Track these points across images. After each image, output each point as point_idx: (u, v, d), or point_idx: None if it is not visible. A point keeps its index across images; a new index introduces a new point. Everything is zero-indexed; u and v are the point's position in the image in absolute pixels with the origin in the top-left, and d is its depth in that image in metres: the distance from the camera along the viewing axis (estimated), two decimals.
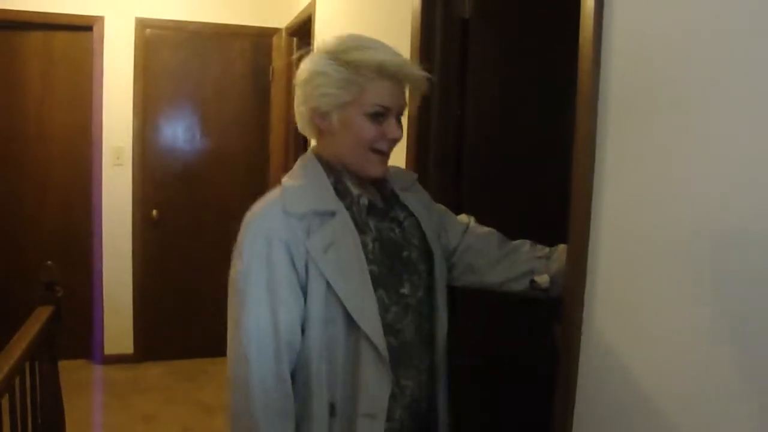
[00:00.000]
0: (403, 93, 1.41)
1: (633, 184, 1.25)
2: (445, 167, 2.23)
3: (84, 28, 4.45)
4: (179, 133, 4.69)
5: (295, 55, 1.49)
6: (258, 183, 4.84)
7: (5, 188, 4.52)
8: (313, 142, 1.52)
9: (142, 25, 4.53)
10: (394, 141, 1.40)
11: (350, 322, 1.34)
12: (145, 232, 4.64)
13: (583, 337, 1.38)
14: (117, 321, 4.67)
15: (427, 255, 1.52)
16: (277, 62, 4.78)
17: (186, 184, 4.72)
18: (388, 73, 1.34)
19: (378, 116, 1.36)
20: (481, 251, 1.64)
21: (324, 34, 3.62)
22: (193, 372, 4.59)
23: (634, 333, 1.24)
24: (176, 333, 4.77)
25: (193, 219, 4.76)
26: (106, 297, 4.64)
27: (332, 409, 1.37)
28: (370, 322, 1.34)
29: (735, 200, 1.03)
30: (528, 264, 1.60)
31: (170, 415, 3.92)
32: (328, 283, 1.33)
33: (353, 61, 1.33)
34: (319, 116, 1.40)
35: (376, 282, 1.38)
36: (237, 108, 4.77)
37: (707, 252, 1.08)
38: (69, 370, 3.93)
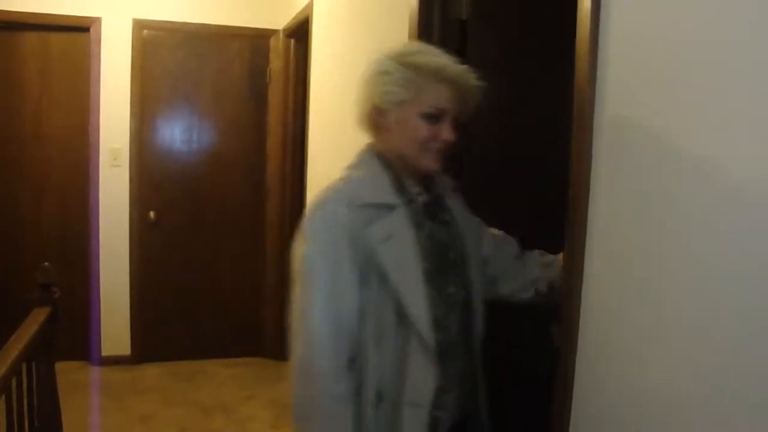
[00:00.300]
0: (460, 99, 1.45)
1: (630, 185, 1.25)
2: (445, 167, 2.22)
3: (81, 29, 4.45)
4: (177, 134, 4.69)
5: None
6: (255, 184, 4.85)
7: (2, 189, 4.51)
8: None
9: (139, 26, 4.52)
10: (447, 143, 1.44)
11: (401, 313, 1.40)
12: (142, 233, 4.64)
13: (580, 338, 1.39)
14: (114, 322, 4.67)
15: (465, 258, 1.56)
16: (275, 63, 4.78)
17: (183, 185, 4.72)
18: (447, 77, 1.40)
19: (433, 117, 1.42)
20: (502, 264, 1.70)
21: (321, 35, 3.63)
22: (191, 373, 4.59)
23: (631, 334, 1.25)
24: (174, 334, 4.77)
25: (191, 220, 4.76)
26: (103, 298, 4.64)
27: (380, 397, 1.42)
28: (420, 316, 1.40)
29: (733, 202, 1.03)
30: (534, 272, 1.68)
31: (168, 416, 3.92)
32: (383, 273, 1.39)
33: (415, 62, 1.41)
34: (378, 113, 1.46)
35: (427, 278, 1.43)
36: (234, 109, 4.77)
37: (702, 253, 1.08)
38: (66, 371, 3.92)
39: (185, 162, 4.72)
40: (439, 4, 2.18)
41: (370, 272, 1.39)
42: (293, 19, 4.37)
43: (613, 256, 1.30)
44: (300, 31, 4.31)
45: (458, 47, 2.20)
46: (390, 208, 1.42)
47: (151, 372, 4.59)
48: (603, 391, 1.32)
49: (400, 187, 1.47)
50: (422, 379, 1.41)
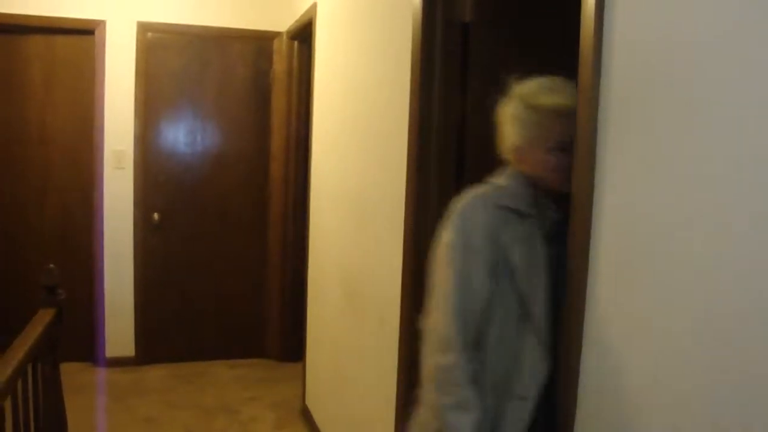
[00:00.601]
0: (572, 125, 1.54)
1: (633, 185, 1.25)
2: (447, 171, 2.24)
3: (86, 32, 4.47)
4: (180, 136, 4.71)
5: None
6: (259, 186, 4.86)
7: (7, 191, 4.54)
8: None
9: (143, 28, 4.54)
10: (568, 170, 1.54)
11: (524, 309, 1.54)
12: (146, 235, 4.65)
13: (585, 337, 1.39)
14: (118, 324, 4.69)
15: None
16: (278, 66, 4.79)
17: (187, 187, 4.73)
18: (566, 112, 1.53)
19: (559, 150, 1.56)
20: None
21: (325, 37, 3.64)
22: (195, 374, 4.60)
23: (636, 334, 1.25)
24: (177, 336, 4.78)
25: (194, 222, 4.77)
26: (107, 300, 4.65)
27: (493, 386, 1.55)
28: (541, 313, 1.53)
29: (737, 201, 1.03)
30: None
31: (171, 418, 3.93)
32: (513, 269, 1.54)
33: (538, 104, 1.58)
34: (516, 150, 1.63)
35: (546, 287, 1.56)
36: (238, 111, 4.78)
37: (708, 251, 1.08)
38: (71, 372, 3.94)
39: (189, 164, 4.73)
40: (441, 7, 2.19)
41: (503, 267, 1.54)
42: (296, 21, 4.39)
43: (618, 255, 1.31)
44: (303, 33, 4.32)
45: (461, 50, 2.21)
46: (525, 216, 1.58)
47: (155, 373, 4.61)
48: (608, 389, 1.32)
49: (536, 202, 1.61)
50: (532, 373, 1.52)
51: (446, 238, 1.60)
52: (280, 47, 4.79)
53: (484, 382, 1.54)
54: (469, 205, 1.61)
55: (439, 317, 1.56)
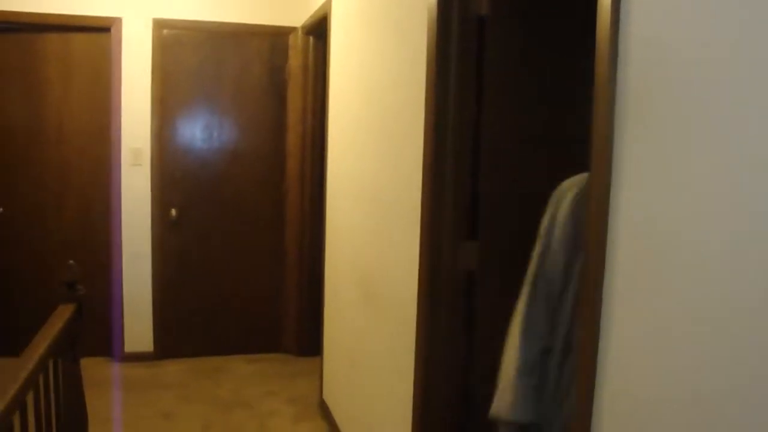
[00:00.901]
0: None
1: (650, 184, 1.25)
2: (462, 164, 2.23)
3: (102, 29, 4.50)
4: (197, 132, 4.73)
5: None
6: (276, 182, 4.87)
7: (26, 189, 4.58)
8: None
9: (159, 25, 4.56)
10: None
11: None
12: (164, 231, 4.69)
13: (602, 338, 1.39)
14: (137, 319, 4.73)
15: None
16: (294, 61, 4.80)
17: (204, 183, 4.76)
18: None
19: None
20: None
21: (340, 32, 3.64)
22: (213, 369, 4.63)
23: (655, 332, 1.25)
24: (195, 331, 4.81)
25: (211, 218, 4.80)
26: (126, 296, 4.70)
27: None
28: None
29: (754, 199, 1.02)
30: None
31: (190, 412, 3.96)
32: None
33: None
34: None
35: None
36: (254, 107, 4.79)
37: (727, 249, 1.08)
38: (90, 367, 3.97)
39: (205, 160, 4.76)
40: (458, 1, 2.18)
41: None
42: (312, 16, 4.39)
43: (636, 254, 1.30)
44: (319, 29, 4.33)
45: (477, 44, 2.20)
46: None
47: (173, 368, 4.64)
48: (628, 391, 1.32)
49: None
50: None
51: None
52: (295, 43, 4.79)
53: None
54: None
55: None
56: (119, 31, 4.50)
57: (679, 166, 1.18)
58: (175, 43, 4.63)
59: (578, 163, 1.50)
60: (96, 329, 4.53)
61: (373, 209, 3.04)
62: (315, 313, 4.28)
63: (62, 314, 2.61)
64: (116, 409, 3.91)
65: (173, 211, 4.66)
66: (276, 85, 4.83)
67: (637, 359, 1.29)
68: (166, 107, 4.64)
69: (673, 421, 1.20)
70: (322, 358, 4.03)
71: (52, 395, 2.42)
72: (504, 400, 1.81)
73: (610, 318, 1.36)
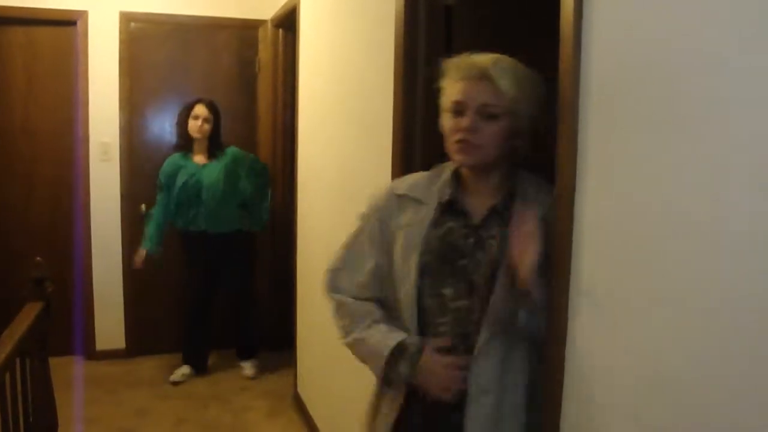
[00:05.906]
0: (483, 90, 1.50)
1: (616, 183, 1.25)
2: (431, 151, 2.23)
3: (68, 22, 4.43)
4: (166, 127, 4.67)
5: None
6: None
7: None
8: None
9: (126, 18, 4.50)
10: (464, 131, 1.51)
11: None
12: (134, 226, 4.62)
13: (568, 343, 1.39)
14: (108, 316, 4.67)
15: (482, 272, 1.53)
16: (263, 54, 4.77)
17: None
18: (460, 72, 1.53)
19: (454, 112, 1.53)
20: None
21: (309, 24, 3.62)
22: None
23: (619, 334, 1.25)
24: (168, 327, 4.76)
25: None
26: (96, 293, 4.64)
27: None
28: (404, 295, 1.59)
29: (721, 199, 1.03)
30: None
31: (164, 409, 3.93)
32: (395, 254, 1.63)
33: (443, 68, 1.58)
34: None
35: (425, 270, 1.57)
36: (224, 100, 4.72)
37: (691, 249, 1.08)
38: (60, 366, 3.93)
39: None
40: None
41: (393, 248, 1.63)
42: (281, 9, 4.36)
43: (601, 254, 1.30)
44: (288, 21, 4.29)
45: (444, 33, 2.20)
46: (420, 203, 1.62)
47: (146, 365, 4.60)
48: (592, 394, 1.33)
49: (441, 187, 1.62)
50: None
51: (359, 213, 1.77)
52: (264, 35, 4.76)
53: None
54: (380, 192, 1.74)
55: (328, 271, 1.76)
56: (85, 24, 4.43)
57: (646, 161, 1.18)
58: (142, 36, 4.57)
59: (545, 153, 1.49)
60: (65, 327, 4.48)
61: (341, 197, 3.03)
62: (287, 307, 4.25)
63: (29, 312, 2.57)
64: (88, 408, 3.86)
65: (143, 206, 4.60)
66: (246, 77, 4.79)
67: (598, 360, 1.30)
68: (134, 101, 4.58)
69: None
70: (295, 351, 4.02)
71: (20, 396, 2.39)
72: None
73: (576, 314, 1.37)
